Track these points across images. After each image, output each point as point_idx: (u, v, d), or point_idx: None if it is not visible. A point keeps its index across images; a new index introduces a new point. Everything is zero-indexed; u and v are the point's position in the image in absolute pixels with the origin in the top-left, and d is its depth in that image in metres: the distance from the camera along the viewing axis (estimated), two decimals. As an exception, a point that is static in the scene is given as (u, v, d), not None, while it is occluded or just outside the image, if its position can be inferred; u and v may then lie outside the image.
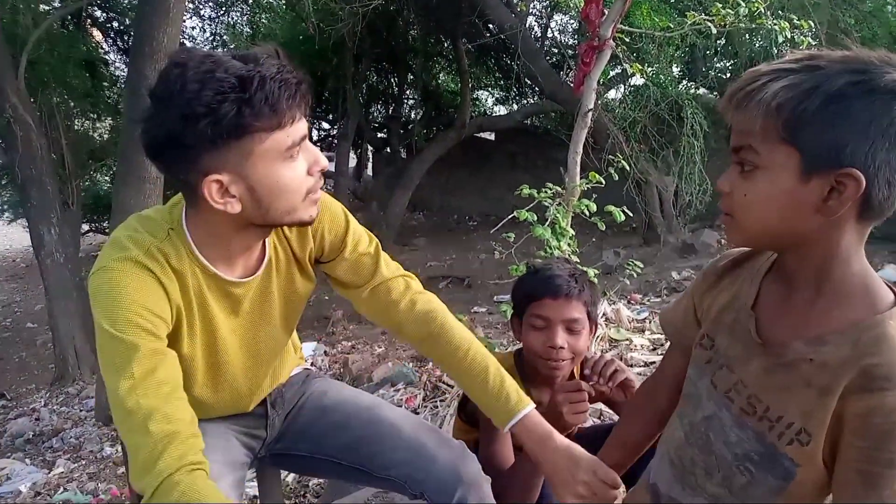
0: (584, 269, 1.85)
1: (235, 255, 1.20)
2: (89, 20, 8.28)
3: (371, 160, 13.99)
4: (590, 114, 3.40)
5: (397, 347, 4.73)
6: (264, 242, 1.25)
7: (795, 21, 3.70)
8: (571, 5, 6.49)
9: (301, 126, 1.07)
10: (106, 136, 8.84)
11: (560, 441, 1.24)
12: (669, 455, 1.10)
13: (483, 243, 8.97)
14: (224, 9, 10.16)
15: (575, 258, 2.87)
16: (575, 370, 1.62)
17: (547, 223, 2.96)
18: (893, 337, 0.84)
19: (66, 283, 5.58)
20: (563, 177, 3.26)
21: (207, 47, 9.66)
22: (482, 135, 11.41)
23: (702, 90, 7.91)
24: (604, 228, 3.16)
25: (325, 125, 12.59)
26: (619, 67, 6.86)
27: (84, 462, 3.67)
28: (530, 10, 8.88)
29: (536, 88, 9.62)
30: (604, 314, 3.98)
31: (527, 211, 2.87)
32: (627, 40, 4.37)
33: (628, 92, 7.38)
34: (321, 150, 1.26)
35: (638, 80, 6.59)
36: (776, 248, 0.98)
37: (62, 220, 5.66)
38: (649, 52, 6.34)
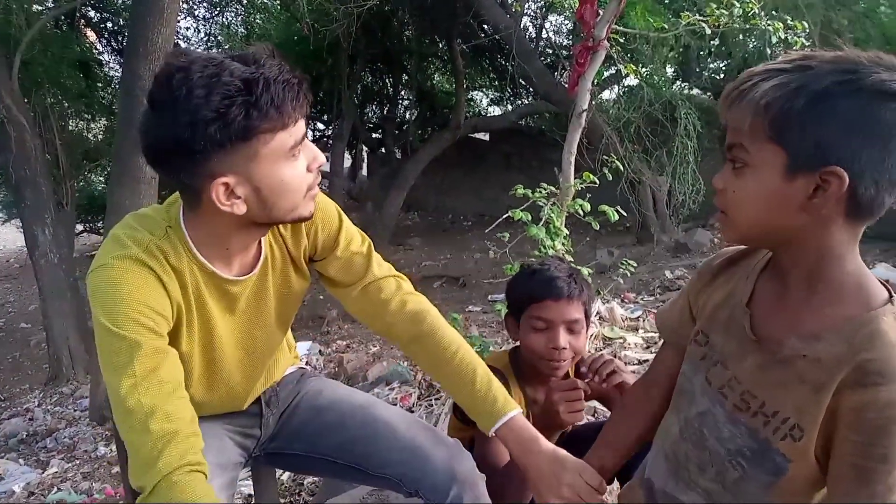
0: (579, 268, 1.86)
1: (233, 253, 1.20)
2: (83, 20, 8.23)
3: (366, 161, 13.94)
4: (584, 114, 3.41)
5: (392, 346, 4.73)
6: (260, 241, 1.25)
7: (789, 22, 3.72)
8: (566, 6, 6.51)
9: (301, 125, 1.07)
10: (100, 136, 8.80)
11: (545, 445, 1.24)
12: (664, 450, 1.11)
13: (478, 243, 9.00)
14: (218, 9, 10.14)
15: (569, 257, 2.88)
16: (570, 368, 1.62)
17: (541, 223, 2.97)
18: (887, 333, 0.84)
19: (60, 283, 5.57)
20: (558, 177, 3.27)
21: (202, 48, 9.67)
22: (477, 135, 11.42)
23: (695, 91, 7.95)
24: (598, 228, 3.17)
25: (321, 126, 12.55)
26: (613, 68, 6.88)
27: (78, 462, 3.66)
28: (525, 11, 8.91)
29: (531, 89, 9.65)
30: (598, 313, 4.00)
31: (521, 211, 2.87)
32: (622, 41, 4.40)
33: (622, 92, 7.43)
34: (317, 151, 1.26)
35: (632, 81, 6.63)
36: (769, 246, 0.98)
37: (56, 221, 5.65)
38: (643, 52, 6.37)
